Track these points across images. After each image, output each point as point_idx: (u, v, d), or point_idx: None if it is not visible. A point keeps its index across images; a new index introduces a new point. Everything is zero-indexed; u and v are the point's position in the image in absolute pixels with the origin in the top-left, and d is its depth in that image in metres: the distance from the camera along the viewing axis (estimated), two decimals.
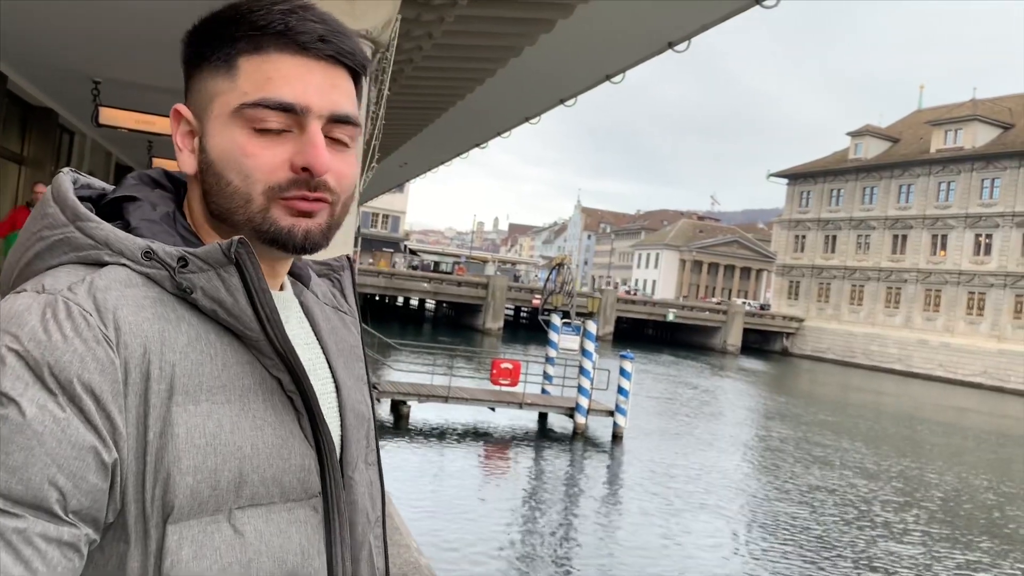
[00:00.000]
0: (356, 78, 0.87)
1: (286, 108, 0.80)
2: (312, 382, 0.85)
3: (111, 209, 0.84)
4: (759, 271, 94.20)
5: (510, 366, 18.03)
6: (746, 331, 57.56)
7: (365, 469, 0.95)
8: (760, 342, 60.25)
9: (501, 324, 49.86)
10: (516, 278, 68.66)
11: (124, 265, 0.78)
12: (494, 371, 17.87)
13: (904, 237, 56.11)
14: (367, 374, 1.01)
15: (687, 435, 20.70)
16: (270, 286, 0.85)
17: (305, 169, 0.81)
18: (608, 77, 10.04)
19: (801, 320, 60.86)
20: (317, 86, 0.82)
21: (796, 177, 66.24)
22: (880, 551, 12.01)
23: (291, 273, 0.98)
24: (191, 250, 0.78)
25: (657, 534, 11.88)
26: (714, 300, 73.85)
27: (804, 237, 64.60)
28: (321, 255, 0.99)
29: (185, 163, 0.86)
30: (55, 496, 0.67)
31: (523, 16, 7.93)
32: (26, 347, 0.69)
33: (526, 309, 58.06)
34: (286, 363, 0.80)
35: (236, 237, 0.77)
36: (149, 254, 0.78)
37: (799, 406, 29.57)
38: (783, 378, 43.41)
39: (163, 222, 0.84)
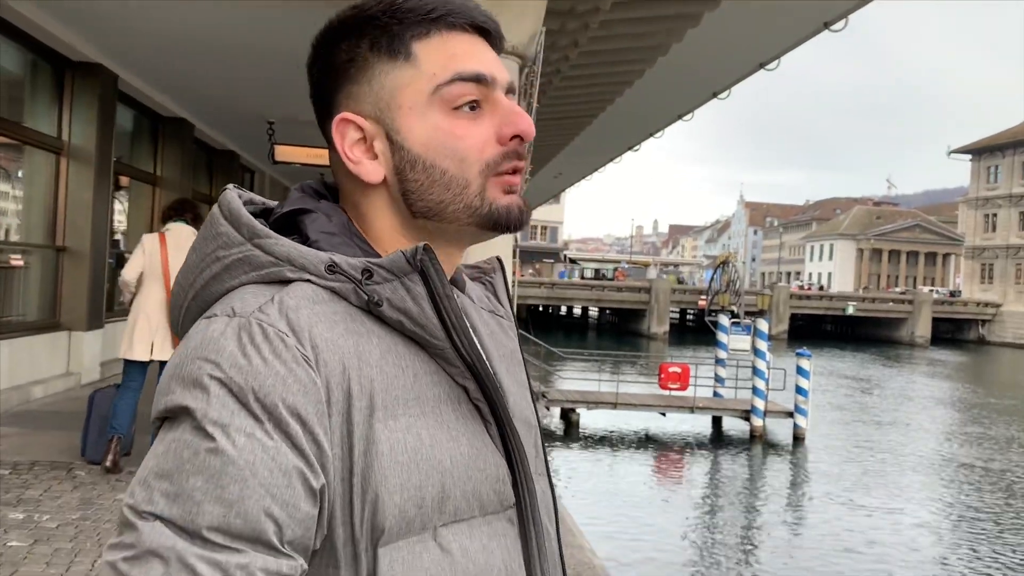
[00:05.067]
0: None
1: (479, 79, 0.80)
2: None
3: (283, 224, 0.82)
4: (946, 256, 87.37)
5: (679, 370, 17.65)
6: (935, 320, 53.46)
7: (537, 479, 0.89)
8: (952, 331, 55.85)
9: (667, 328, 48.99)
10: (680, 280, 67.34)
11: (308, 281, 0.75)
12: (662, 375, 17.56)
13: None
14: (528, 379, 0.96)
15: (875, 434, 19.45)
16: None
17: (515, 137, 0.81)
18: (762, 65, 9.69)
19: (998, 305, 55.88)
20: (492, 59, 0.82)
21: (982, 151, 61.06)
22: None
23: None
24: (375, 260, 0.76)
25: (844, 539, 11.23)
26: (897, 289, 69.24)
27: (995, 215, 59.43)
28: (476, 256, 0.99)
29: (369, 172, 0.81)
30: (272, 528, 0.65)
31: (668, 13, 7.81)
32: (228, 374, 0.67)
33: (692, 311, 56.76)
34: (473, 371, 0.78)
35: (421, 244, 0.75)
36: (332, 267, 0.75)
37: (1000, 400, 27.07)
38: (980, 369, 39.92)
39: (342, 233, 0.81)
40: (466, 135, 0.79)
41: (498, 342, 0.93)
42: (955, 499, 13.79)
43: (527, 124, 0.81)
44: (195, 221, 5.71)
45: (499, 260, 1.04)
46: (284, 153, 11.61)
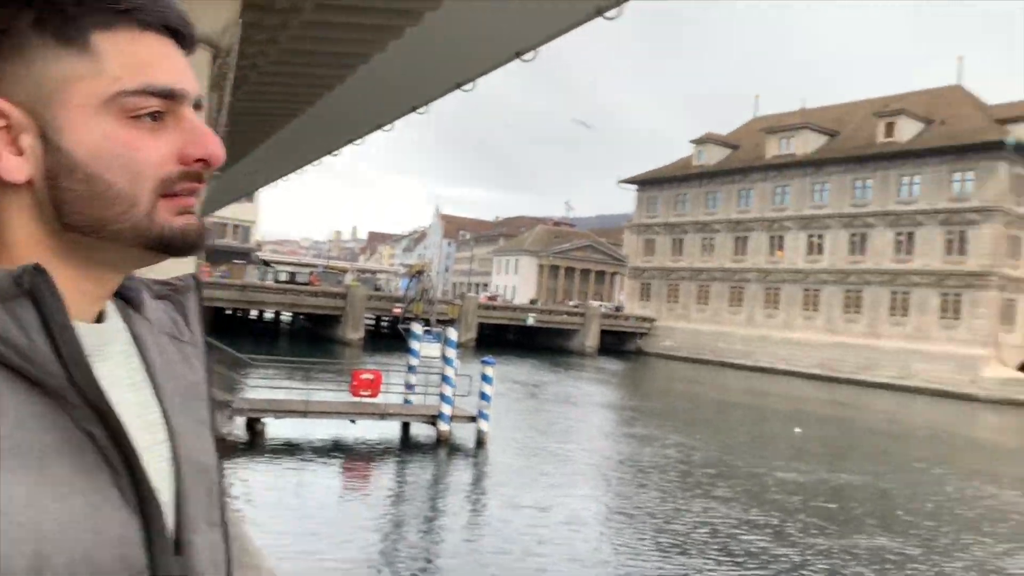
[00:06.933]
0: None
1: (169, 95, 0.69)
2: (137, 432, 0.70)
3: None
4: (613, 274, 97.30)
5: (371, 376, 17.75)
6: (603, 332, 59.24)
7: (208, 530, 0.79)
8: (616, 343, 62.17)
9: (362, 334, 49.00)
10: (377, 287, 67.83)
11: None
12: (354, 382, 17.53)
13: (745, 239, 59.38)
14: (211, 417, 0.85)
15: (551, 436, 21.07)
16: (90, 315, 0.72)
17: (200, 160, 0.71)
18: (459, 85, 10.10)
19: (653, 320, 63.23)
20: (183, 68, 0.72)
21: (644, 183, 68.76)
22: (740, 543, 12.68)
23: (119, 295, 0.79)
24: None
25: (524, 538, 12.01)
26: (571, 303, 75.68)
27: (653, 241, 67.13)
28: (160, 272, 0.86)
29: (10, 169, 0.67)
30: None
31: (372, 22, 7.85)
32: None
33: (387, 318, 57.41)
34: (98, 413, 0.66)
35: (31, 264, 0.63)
36: None
37: (650, 403, 30.78)
38: (636, 376, 45.02)
39: None
40: (144, 147, 0.69)
41: (174, 373, 0.82)
42: (613, 494, 15.36)
43: (216, 148, 0.72)
44: None
45: (195, 278, 0.92)
46: None
